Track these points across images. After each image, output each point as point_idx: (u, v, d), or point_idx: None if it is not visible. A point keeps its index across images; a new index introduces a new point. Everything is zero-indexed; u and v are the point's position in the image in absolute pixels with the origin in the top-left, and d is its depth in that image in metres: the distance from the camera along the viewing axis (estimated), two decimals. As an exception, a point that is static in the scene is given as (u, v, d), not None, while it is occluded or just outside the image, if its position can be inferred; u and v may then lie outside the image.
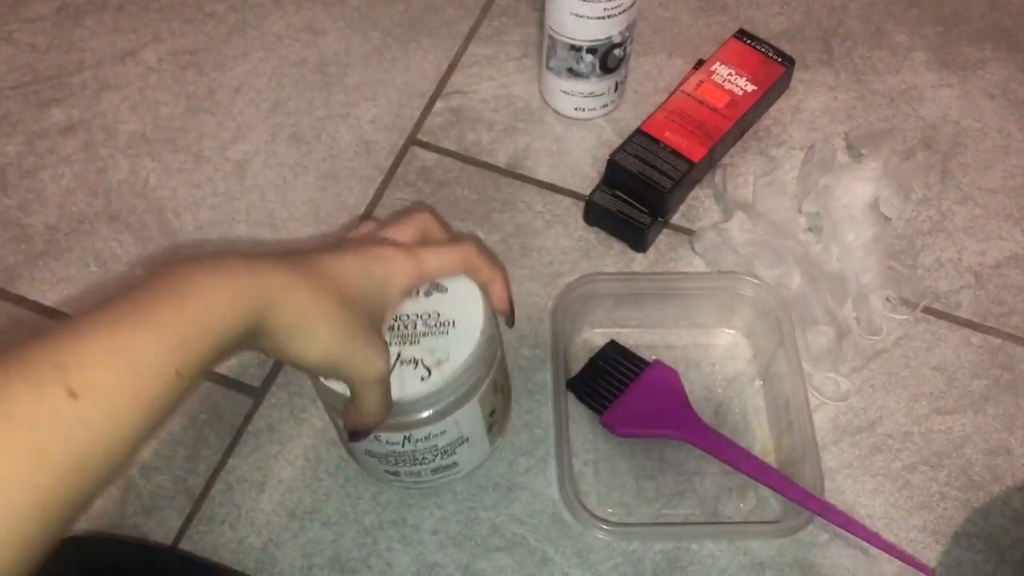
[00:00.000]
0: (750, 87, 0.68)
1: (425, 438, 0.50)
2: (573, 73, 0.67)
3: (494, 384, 0.52)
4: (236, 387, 0.61)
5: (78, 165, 0.70)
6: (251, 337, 0.39)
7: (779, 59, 0.70)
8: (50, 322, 0.63)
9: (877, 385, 0.62)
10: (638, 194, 0.64)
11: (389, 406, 0.46)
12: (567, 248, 0.67)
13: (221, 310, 0.37)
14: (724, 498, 0.58)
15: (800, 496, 0.53)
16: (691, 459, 0.58)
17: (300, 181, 0.70)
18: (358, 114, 0.73)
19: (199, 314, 0.36)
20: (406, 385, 0.47)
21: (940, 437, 0.60)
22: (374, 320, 0.44)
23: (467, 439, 0.52)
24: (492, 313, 0.50)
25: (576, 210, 0.68)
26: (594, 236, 0.67)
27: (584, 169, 0.70)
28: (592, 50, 0.65)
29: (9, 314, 0.63)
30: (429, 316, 0.48)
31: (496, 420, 0.55)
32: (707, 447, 0.57)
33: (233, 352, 0.38)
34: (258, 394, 0.61)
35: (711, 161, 0.67)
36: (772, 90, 0.69)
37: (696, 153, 0.64)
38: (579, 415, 0.60)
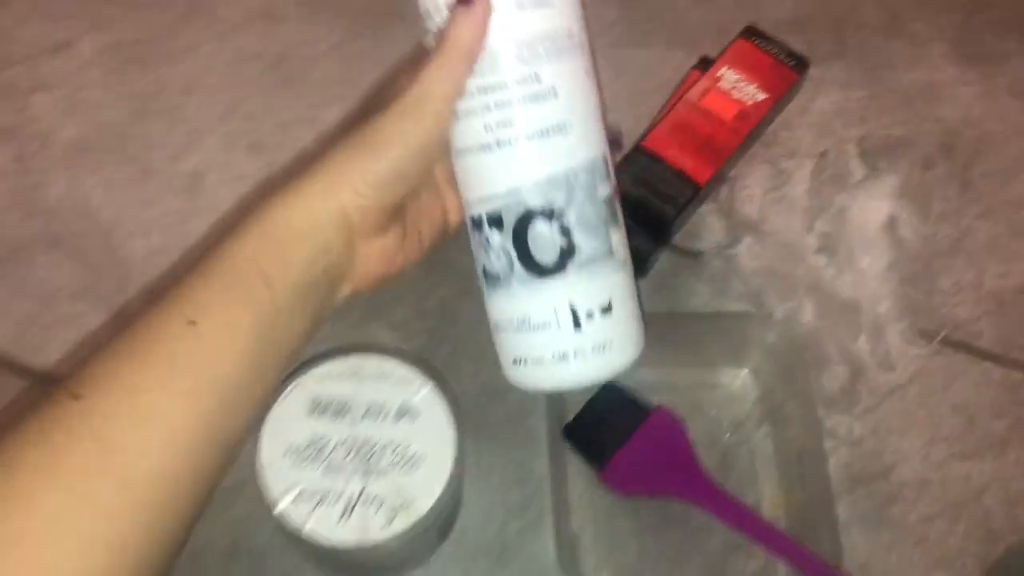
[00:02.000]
0: (760, 96, 0.61)
1: (376, 563, 0.48)
2: (490, 279, 0.40)
3: (453, 507, 0.49)
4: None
5: (9, 180, 0.63)
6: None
7: (792, 63, 0.63)
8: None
9: (892, 427, 0.58)
10: (639, 220, 0.58)
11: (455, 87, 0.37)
12: (559, 273, 0.61)
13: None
14: (732, 559, 0.54)
15: (816, 569, 0.50)
16: (696, 514, 0.54)
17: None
18: (325, 116, 0.66)
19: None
20: (368, 528, 0.44)
21: (958, 485, 0.56)
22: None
23: (416, 553, 0.50)
24: (462, 449, 0.45)
25: (568, 230, 0.62)
26: (588, 259, 0.62)
27: (576, 182, 0.64)
28: (495, 220, 0.38)
29: (-61, 357, 0.57)
30: (398, 447, 0.45)
31: (447, 527, 0.52)
32: (716, 512, 0.52)
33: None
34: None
35: (718, 180, 0.61)
36: (784, 98, 0.63)
37: (702, 174, 0.58)
38: (577, 468, 0.55)
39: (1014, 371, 0.59)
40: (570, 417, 0.56)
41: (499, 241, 0.37)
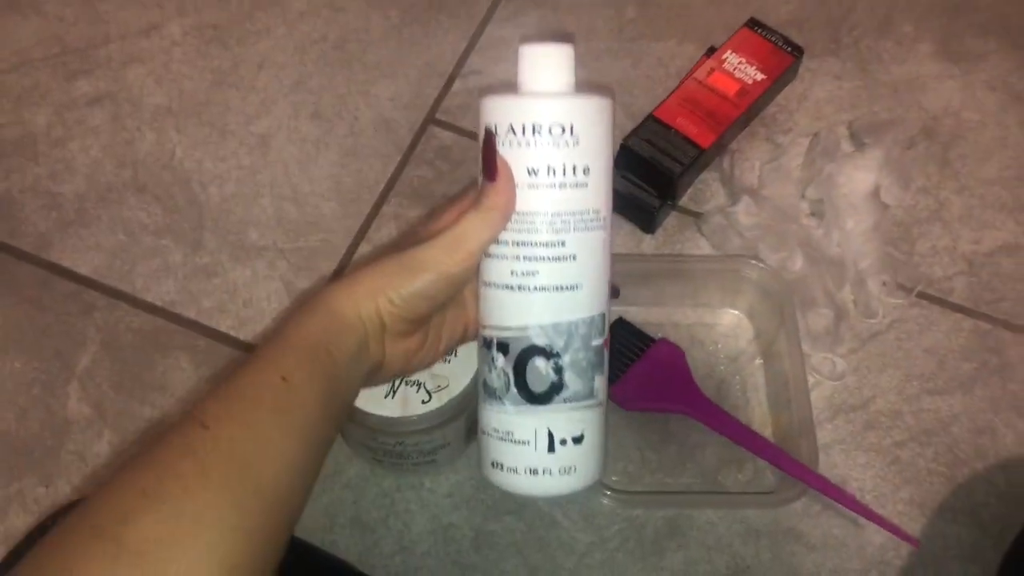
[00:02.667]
0: (759, 76, 0.70)
1: (414, 444, 0.55)
2: (488, 391, 0.46)
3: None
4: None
5: (105, 136, 0.72)
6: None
7: (788, 49, 0.72)
8: (80, 288, 0.66)
9: (872, 366, 0.65)
10: (648, 178, 0.67)
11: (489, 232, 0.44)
12: (579, 228, 0.69)
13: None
14: (724, 470, 0.61)
15: (795, 469, 0.57)
16: (693, 432, 0.61)
17: (322, 157, 0.72)
18: (378, 92, 0.75)
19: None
20: (408, 405, 0.52)
21: (929, 416, 0.63)
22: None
23: (449, 444, 0.57)
24: None
25: (588, 191, 0.71)
26: (605, 217, 0.70)
27: (596, 151, 0.73)
28: (502, 346, 0.45)
29: (41, 279, 0.66)
30: None
31: (474, 426, 0.59)
32: (709, 421, 0.60)
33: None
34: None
35: (719, 147, 0.70)
36: (780, 79, 0.72)
37: (706, 139, 0.67)
38: (588, 388, 0.63)
39: (982, 322, 0.67)
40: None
41: (502, 364, 0.44)
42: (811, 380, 0.63)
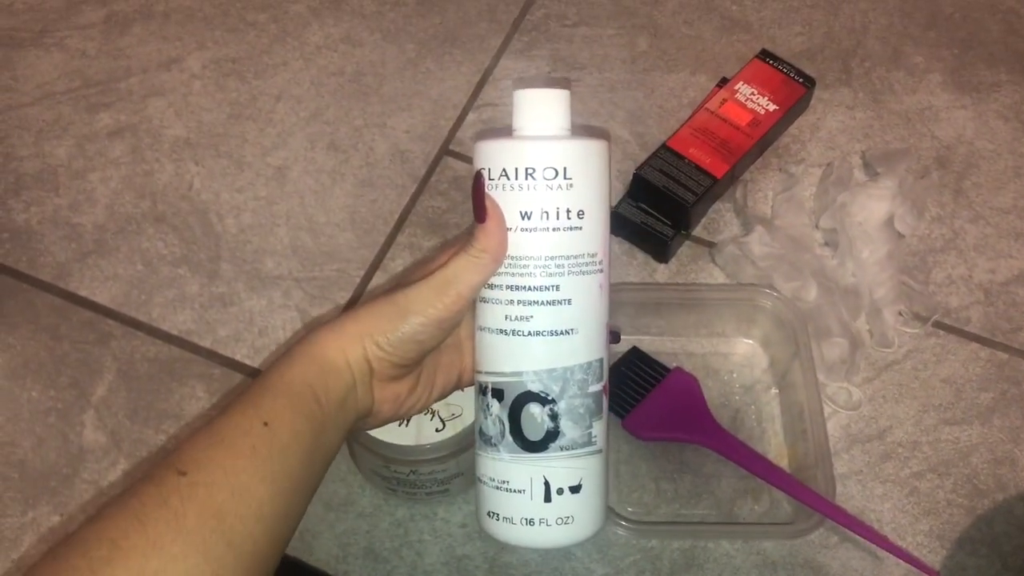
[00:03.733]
0: (772, 106, 0.70)
1: (428, 473, 0.55)
2: (483, 438, 0.46)
3: None
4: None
5: (125, 168, 0.74)
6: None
7: (800, 80, 0.72)
8: (97, 317, 0.66)
9: (888, 396, 0.64)
10: (662, 207, 0.67)
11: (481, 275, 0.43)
12: (592, 257, 0.69)
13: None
14: (740, 500, 0.60)
15: (812, 500, 0.56)
16: (709, 462, 0.61)
17: (338, 188, 0.73)
18: (393, 124, 0.76)
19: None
20: (422, 433, 0.52)
21: (947, 447, 0.63)
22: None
23: (462, 473, 0.56)
24: None
25: (601, 221, 0.71)
26: (618, 246, 0.70)
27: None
28: (497, 392, 0.44)
29: (59, 308, 0.67)
30: None
31: None
32: (725, 452, 0.59)
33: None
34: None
35: (732, 177, 0.70)
36: (793, 109, 0.72)
37: (719, 169, 0.67)
38: (602, 418, 0.63)
39: (999, 351, 0.66)
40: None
41: (497, 410, 0.43)
42: (827, 410, 0.63)
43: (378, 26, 0.82)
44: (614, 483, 0.61)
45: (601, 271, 0.44)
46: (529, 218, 0.42)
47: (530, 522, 0.44)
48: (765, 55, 0.74)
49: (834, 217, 0.69)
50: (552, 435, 0.43)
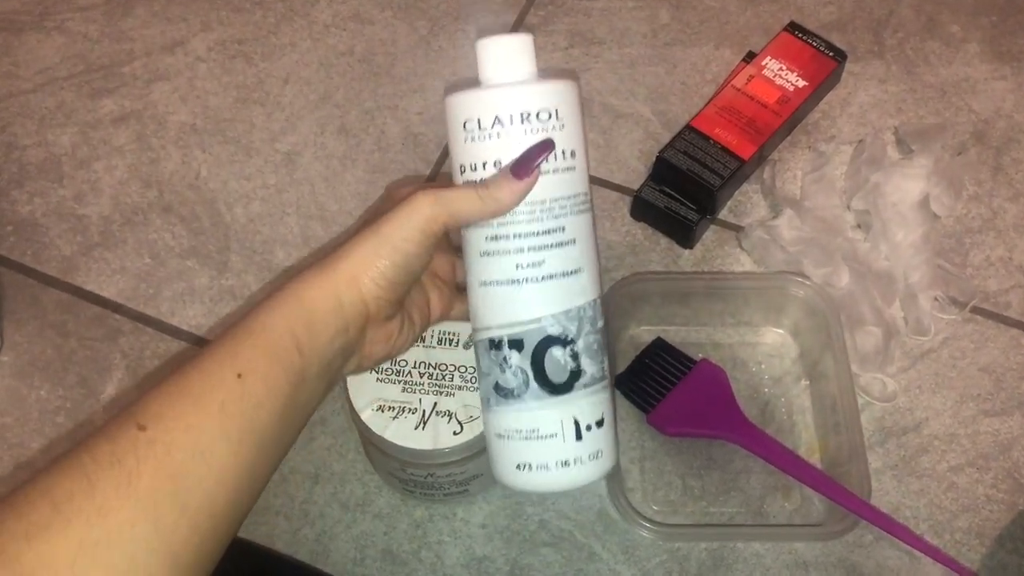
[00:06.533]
0: (801, 83, 0.67)
1: (447, 475, 0.53)
2: (501, 393, 0.45)
3: None
4: (289, 380, 0.62)
5: (131, 156, 0.71)
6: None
7: (831, 53, 0.69)
8: (105, 312, 0.65)
9: (924, 386, 0.62)
10: (686, 191, 0.64)
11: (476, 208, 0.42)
12: (613, 243, 0.67)
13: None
14: (769, 498, 0.58)
15: (846, 499, 0.54)
16: (737, 458, 0.59)
17: (349, 174, 0.70)
18: (406, 106, 0.73)
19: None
20: (439, 437, 0.50)
21: (987, 439, 0.60)
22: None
23: (482, 474, 0.55)
24: None
25: (623, 205, 0.68)
26: (641, 231, 0.67)
27: (631, 163, 0.70)
28: (516, 343, 0.43)
29: (66, 304, 0.65)
30: (466, 370, 0.51)
31: None
32: (754, 448, 0.57)
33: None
34: (310, 387, 0.62)
35: (760, 158, 0.67)
36: (823, 85, 0.69)
37: (746, 151, 0.64)
38: (626, 412, 0.61)
39: (1042, 338, 0.63)
40: (621, 369, 0.61)
41: (517, 361, 0.43)
42: (860, 402, 0.60)
43: (388, 2, 0.79)
44: (639, 480, 0.59)
45: (590, 209, 0.45)
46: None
47: (565, 464, 0.44)
48: (793, 27, 0.70)
49: (867, 198, 0.66)
50: (576, 375, 0.44)
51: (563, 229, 0.42)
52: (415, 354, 0.52)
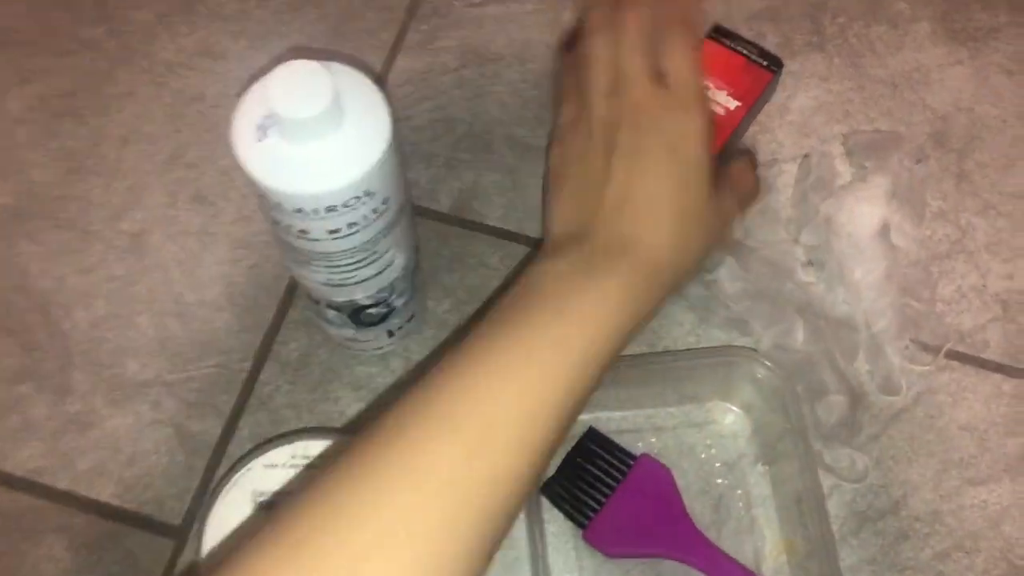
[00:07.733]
0: (732, 103, 0.57)
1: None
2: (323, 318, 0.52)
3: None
4: (152, 528, 0.52)
5: (-59, 255, 0.59)
6: None
7: (765, 63, 0.58)
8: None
9: (899, 456, 0.53)
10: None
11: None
12: (529, 312, 0.57)
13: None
14: (732, 616, 0.50)
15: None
16: (691, 574, 0.50)
17: (208, 253, 0.59)
18: (271, 159, 0.62)
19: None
20: None
21: (974, 514, 0.52)
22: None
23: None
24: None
25: (537, 263, 0.58)
26: (560, 294, 0.57)
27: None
28: (336, 306, 0.49)
29: None
30: None
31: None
32: (707, 569, 0.49)
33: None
34: (178, 534, 0.52)
35: (691, 199, 0.57)
36: (759, 102, 0.58)
37: (673, 197, 0.54)
38: (559, 526, 0.51)
39: (1027, 382, 0.55)
40: (549, 473, 0.52)
41: (335, 316, 0.50)
42: (827, 484, 0.52)
43: (242, 30, 0.66)
44: (579, 610, 0.50)
45: (394, 204, 0.43)
46: (337, 232, 0.41)
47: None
48: (719, 33, 0.59)
49: (817, 232, 0.57)
50: (388, 314, 0.50)
51: (375, 251, 0.44)
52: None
